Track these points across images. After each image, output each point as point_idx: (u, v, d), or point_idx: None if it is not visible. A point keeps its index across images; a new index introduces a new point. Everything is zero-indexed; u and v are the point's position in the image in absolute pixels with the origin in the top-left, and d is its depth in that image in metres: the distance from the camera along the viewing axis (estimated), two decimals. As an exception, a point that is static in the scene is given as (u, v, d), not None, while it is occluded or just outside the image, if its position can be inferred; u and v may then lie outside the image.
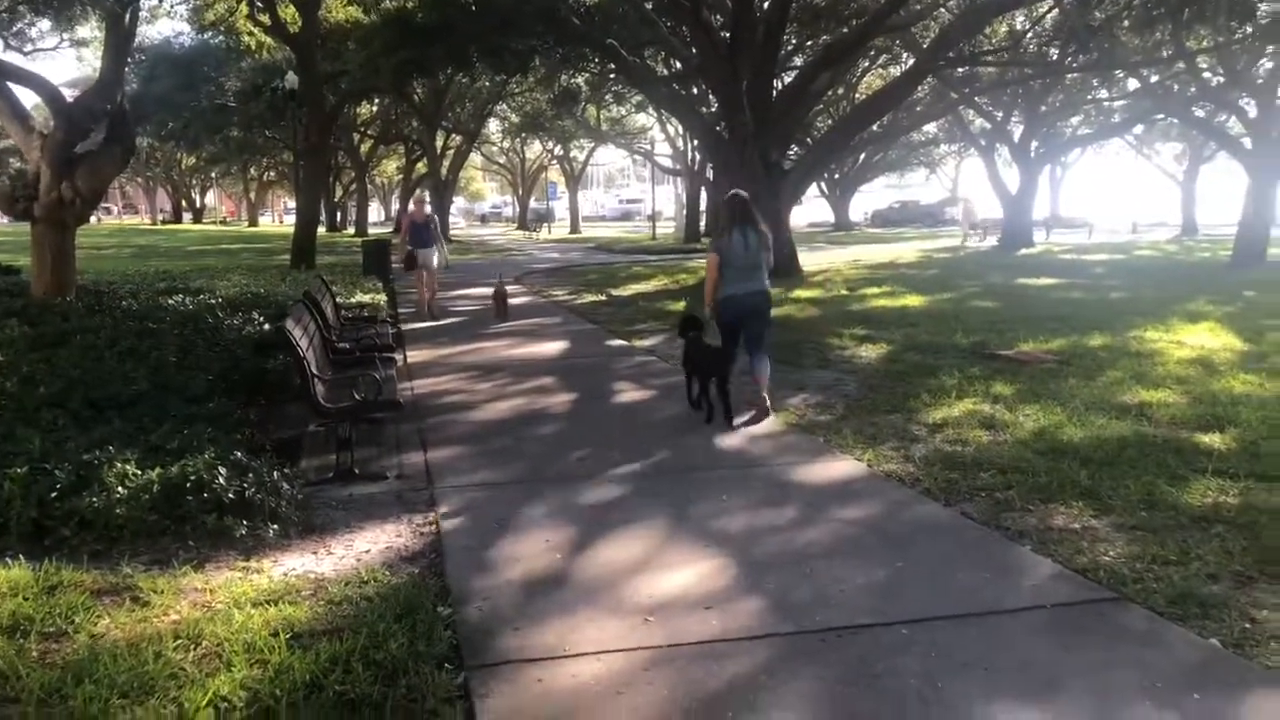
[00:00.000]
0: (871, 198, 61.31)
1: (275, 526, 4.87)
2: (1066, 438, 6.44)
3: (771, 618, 3.86)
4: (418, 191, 41.28)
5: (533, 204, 58.76)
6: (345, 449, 5.87)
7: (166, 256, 29.89)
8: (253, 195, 69.40)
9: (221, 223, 73.32)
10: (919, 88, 38.31)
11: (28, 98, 13.74)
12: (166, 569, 4.34)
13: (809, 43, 24.63)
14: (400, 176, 55.80)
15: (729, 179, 22.80)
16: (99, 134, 12.34)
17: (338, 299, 13.42)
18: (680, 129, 35.54)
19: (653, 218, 44.05)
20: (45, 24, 22.51)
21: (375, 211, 77.03)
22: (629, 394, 8.83)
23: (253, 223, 67.31)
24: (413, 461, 6.35)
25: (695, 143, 31.36)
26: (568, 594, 4.13)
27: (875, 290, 16.72)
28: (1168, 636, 3.67)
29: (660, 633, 3.73)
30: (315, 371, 5.83)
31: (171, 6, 21.72)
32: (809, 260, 24.37)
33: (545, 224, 53.66)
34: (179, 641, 3.53)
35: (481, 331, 12.86)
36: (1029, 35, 23.67)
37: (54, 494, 4.70)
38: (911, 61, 20.35)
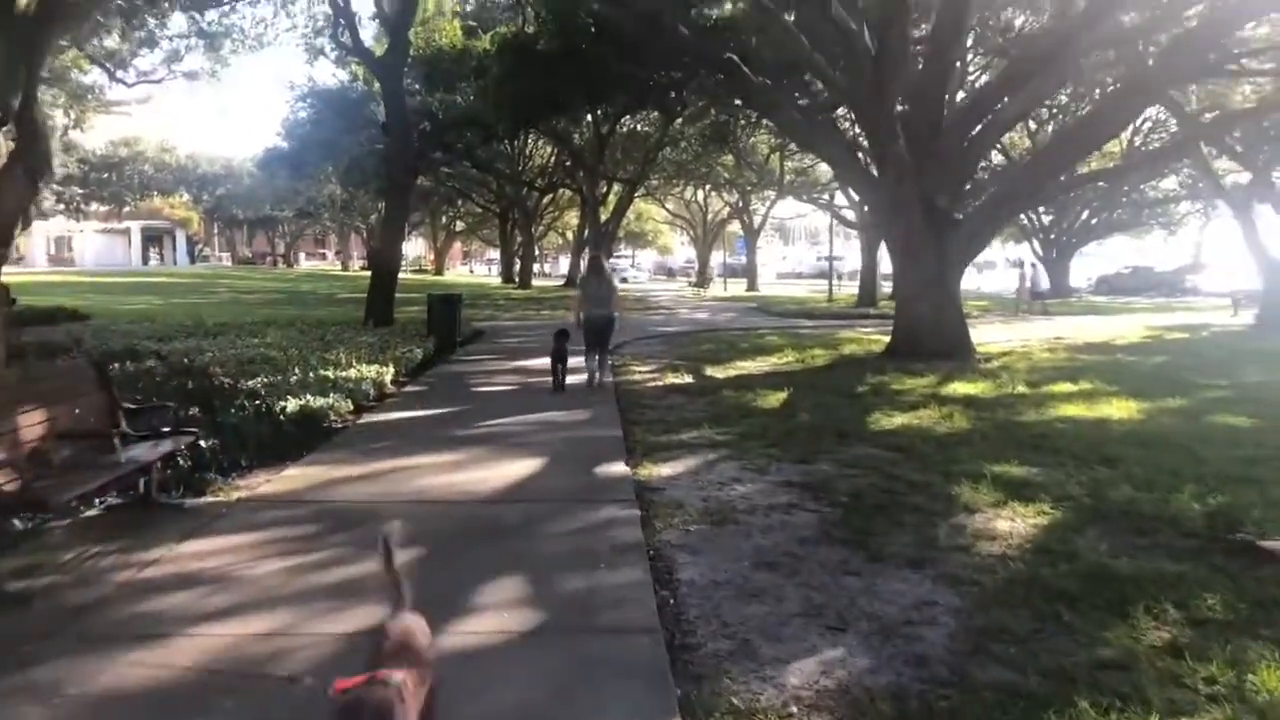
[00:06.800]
0: (1097, 262, 53.74)
1: None
2: None
3: None
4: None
5: (685, 259, 56.34)
6: None
7: (296, 304, 28.54)
8: (438, 243, 69.86)
9: (416, 271, 74.11)
10: (1150, 129, 32.29)
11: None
12: None
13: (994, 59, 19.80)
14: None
15: (881, 226, 18.64)
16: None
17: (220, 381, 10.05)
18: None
19: (829, 276, 39.37)
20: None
21: (565, 264, 76.28)
22: (494, 607, 4.61)
23: (438, 271, 67.28)
24: None
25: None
26: None
27: (1068, 388, 11.82)
28: None
29: None
30: None
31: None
32: (993, 336, 19.38)
33: (707, 280, 50.72)
34: None
35: (440, 431, 9.18)
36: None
37: None
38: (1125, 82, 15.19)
